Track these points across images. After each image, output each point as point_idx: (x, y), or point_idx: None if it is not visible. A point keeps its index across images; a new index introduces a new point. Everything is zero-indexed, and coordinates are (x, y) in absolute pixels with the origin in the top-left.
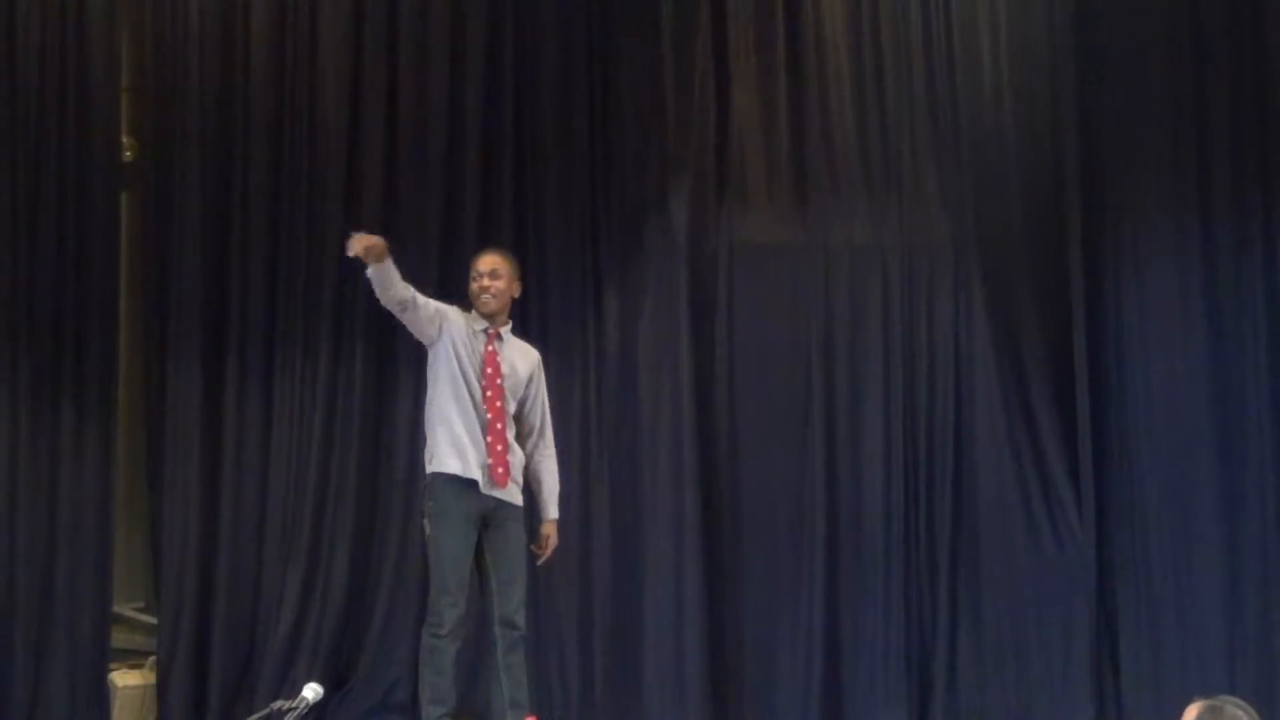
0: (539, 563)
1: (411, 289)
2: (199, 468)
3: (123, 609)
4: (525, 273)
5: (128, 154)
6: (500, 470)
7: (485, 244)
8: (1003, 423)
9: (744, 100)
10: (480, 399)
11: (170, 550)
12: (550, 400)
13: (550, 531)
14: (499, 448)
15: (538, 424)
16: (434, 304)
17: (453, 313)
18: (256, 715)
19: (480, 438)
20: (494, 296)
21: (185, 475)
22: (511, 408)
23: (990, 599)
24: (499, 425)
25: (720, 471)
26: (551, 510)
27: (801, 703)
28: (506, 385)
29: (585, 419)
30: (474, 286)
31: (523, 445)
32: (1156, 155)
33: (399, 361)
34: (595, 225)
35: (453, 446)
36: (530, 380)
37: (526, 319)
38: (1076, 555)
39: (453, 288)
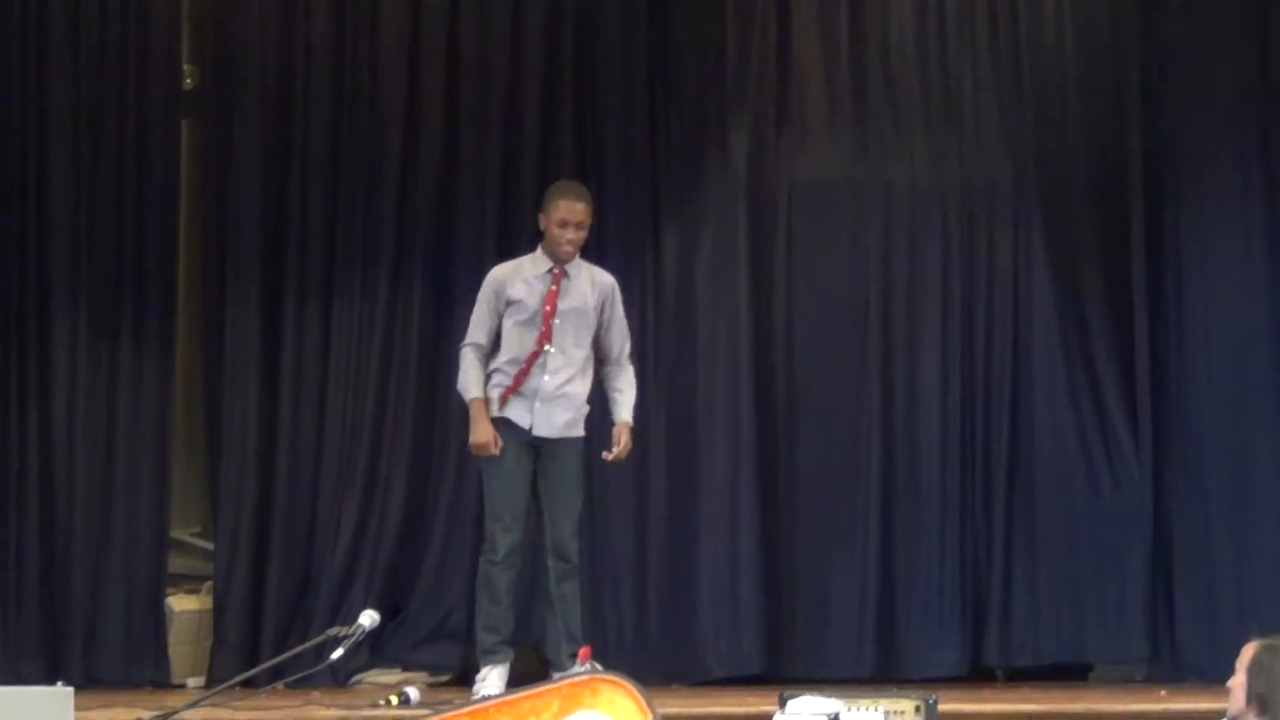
0: (609, 459)
1: (480, 357)
2: (257, 395)
3: (180, 534)
4: None
5: (188, 82)
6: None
7: (545, 176)
8: (1060, 362)
9: (805, 34)
10: (534, 339)
11: (228, 476)
12: None
13: (621, 433)
14: (519, 375)
15: (615, 348)
16: (490, 320)
17: (502, 279)
18: (312, 641)
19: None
20: (578, 249)
21: (243, 402)
22: (582, 338)
23: (1045, 538)
24: (534, 358)
25: (777, 405)
26: (623, 413)
27: (855, 638)
28: (569, 320)
29: (642, 351)
30: (559, 233)
31: (600, 370)
32: (1221, 94)
33: (457, 293)
34: (654, 159)
35: (499, 393)
36: (602, 306)
37: (585, 251)
38: (1132, 495)
39: (512, 223)
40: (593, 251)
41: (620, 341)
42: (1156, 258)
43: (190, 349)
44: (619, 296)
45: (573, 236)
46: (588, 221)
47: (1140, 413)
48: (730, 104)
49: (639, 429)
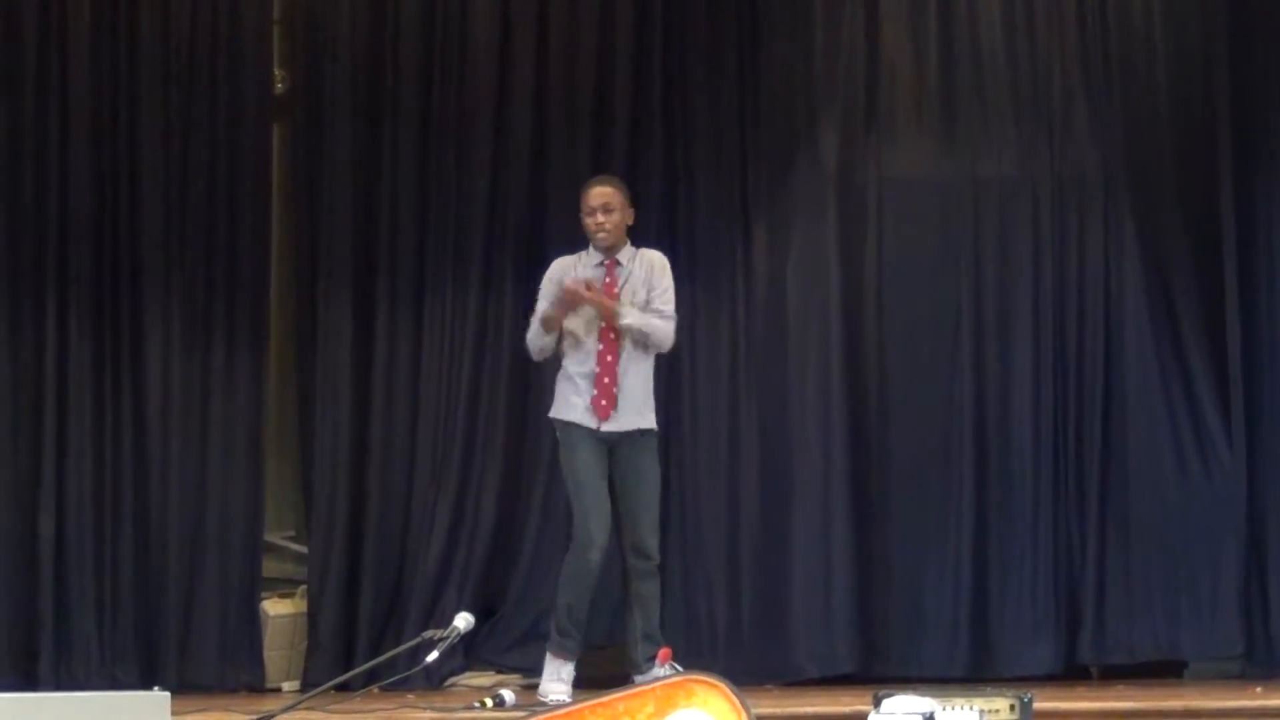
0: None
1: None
2: (350, 397)
3: (274, 538)
4: (674, 205)
5: (279, 85)
6: (604, 403)
7: (635, 176)
8: (1152, 354)
9: (893, 31)
10: (597, 335)
11: (321, 479)
12: (698, 330)
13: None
14: (605, 380)
15: (661, 307)
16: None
17: (559, 273)
18: (407, 644)
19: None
20: (609, 232)
21: (336, 405)
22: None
23: (1139, 532)
24: (609, 358)
25: (869, 402)
26: (628, 318)
27: (950, 634)
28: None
29: (734, 350)
30: (588, 222)
31: None
32: None
33: None
34: (744, 157)
35: (570, 395)
36: (651, 284)
37: (675, 251)
38: (1226, 488)
39: None
40: (683, 250)
41: (664, 303)
42: (1248, 248)
43: (283, 352)
44: (667, 267)
45: (601, 220)
46: (614, 203)
47: (1233, 405)
48: (819, 101)
49: (731, 427)
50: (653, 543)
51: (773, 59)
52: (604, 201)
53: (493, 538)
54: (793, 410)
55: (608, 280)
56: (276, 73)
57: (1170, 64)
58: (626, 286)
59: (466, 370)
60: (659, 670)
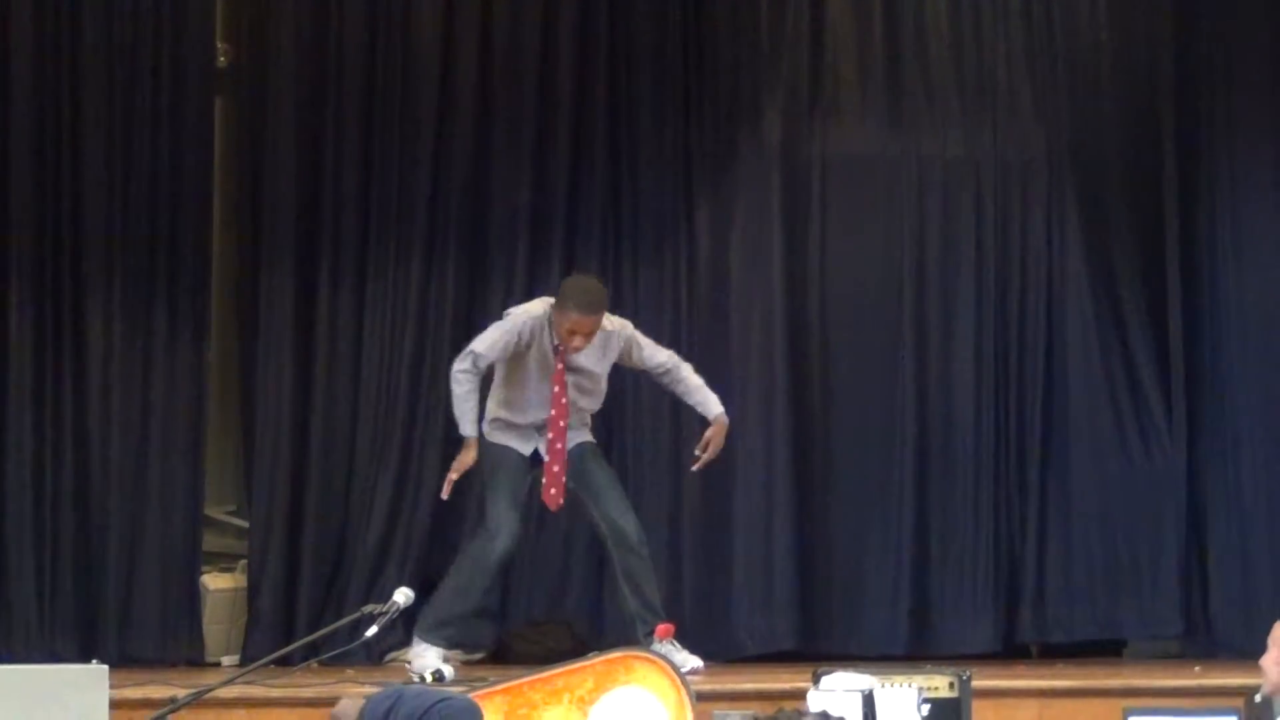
0: (695, 466)
1: (478, 384)
2: (291, 373)
3: (214, 513)
4: (618, 184)
5: (222, 59)
6: (553, 491)
7: (579, 156)
8: (1094, 336)
9: (838, 9)
10: (547, 398)
11: (262, 455)
12: (642, 311)
13: (715, 433)
14: (554, 469)
15: (666, 364)
16: (504, 353)
17: (528, 335)
18: (347, 619)
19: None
20: (578, 353)
21: (278, 380)
22: (589, 400)
23: (1079, 513)
24: (559, 445)
25: (811, 382)
26: (714, 407)
27: (890, 614)
28: (574, 386)
29: (676, 329)
30: (569, 341)
31: (663, 383)
32: (1254, 69)
33: (491, 270)
34: (688, 135)
35: (508, 429)
36: (620, 357)
37: (619, 230)
38: (1166, 470)
39: (544, 203)
40: (626, 229)
41: (662, 360)
42: (1189, 227)
43: (224, 328)
44: (635, 335)
45: (579, 344)
46: (598, 329)
47: (1174, 388)
48: (763, 82)
49: (673, 407)
50: (629, 524)
51: (717, 37)
52: (590, 330)
53: (433, 515)
54: (735, 388)
55: (559, 366)
56: (219, 46)
57: (1116, 47)
58: (574, 373)
59: (408, 349)
60: (659, 646)
